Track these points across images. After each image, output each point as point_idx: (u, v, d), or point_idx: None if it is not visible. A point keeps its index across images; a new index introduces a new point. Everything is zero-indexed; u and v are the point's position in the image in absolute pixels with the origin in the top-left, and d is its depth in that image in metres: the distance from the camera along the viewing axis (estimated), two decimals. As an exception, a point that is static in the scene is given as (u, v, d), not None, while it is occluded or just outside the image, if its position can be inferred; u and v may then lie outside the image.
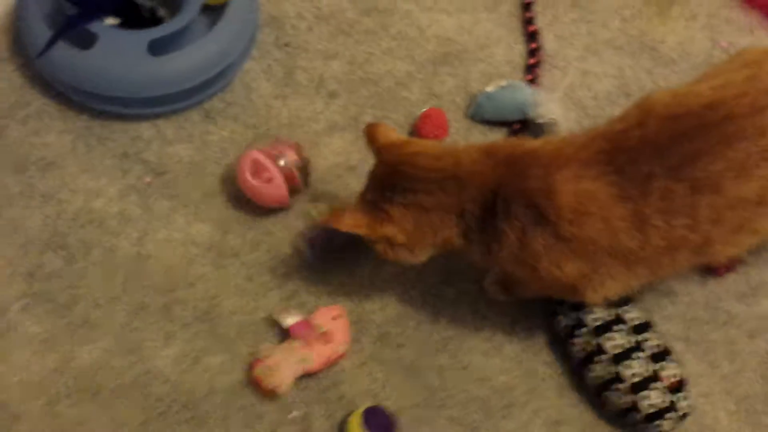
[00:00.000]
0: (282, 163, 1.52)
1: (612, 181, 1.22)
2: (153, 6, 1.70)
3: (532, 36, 1.81)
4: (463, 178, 1.27)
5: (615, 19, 1.85)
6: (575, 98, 1.75)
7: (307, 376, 1.42)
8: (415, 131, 1.66)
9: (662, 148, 1.22)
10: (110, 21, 1.64)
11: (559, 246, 1.25)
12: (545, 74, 1.77)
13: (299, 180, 1.54)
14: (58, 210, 1.55)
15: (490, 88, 1.69)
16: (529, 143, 1.32)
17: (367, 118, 1.69)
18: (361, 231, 1.31)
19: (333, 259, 1.52)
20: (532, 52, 1.79)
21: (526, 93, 1.67)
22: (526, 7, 1.85)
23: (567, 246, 1.25)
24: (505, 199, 1.25)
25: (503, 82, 1.70)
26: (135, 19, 1.67)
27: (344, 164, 1.64)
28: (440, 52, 1.79)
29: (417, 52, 1.79)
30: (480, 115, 1.70)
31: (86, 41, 1.59)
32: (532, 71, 1.76)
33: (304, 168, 1.56)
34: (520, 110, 1.66)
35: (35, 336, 1.44)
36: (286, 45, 1.77)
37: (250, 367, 1.42)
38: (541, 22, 1.83)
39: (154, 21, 1.69)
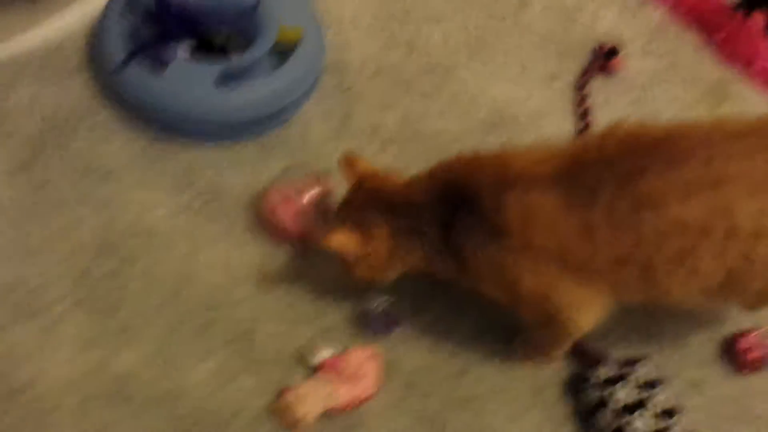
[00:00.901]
0: (307, 198, 1.56)
1: (561, 191, 1.27)
2: (225, 42, 1.75)
3: (583, 114, 1.86)
4: (416, 202, 1.37)
5: (669, 109, 1.89)
6: (620, 178, 1.78)
7: (331, 413, 1.42)
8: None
9: (613, 161, 1.28)
10: (186, 44, 1.70)
11: (512, 258, 1.31)
12: (592, 152, 1.82)
13: (318, 216, 1.57)
14: (112, 218, 1.58)
15: (538, 160, 1.74)
16: (473, 158, 1.39)
17: (414, 172, 1.72)
18: (351, 248, 1.38)
19: (389, 331, 1.54)
20: (582, 130, 1.83)
21: (573, 167, 1.71)
22: (581, 86, 1.91)
23: (522, 257, 1.31)
24: (460, 219, 1.33)
25: (550, 156, 1.74)
26: (207, 46, 1.72)
27: (390, 212, 1.67)
28: (491, 120, 1.83)
29: (468, 117, 1.83)
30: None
31: (158, 66, 1.64)
32: (580, 148, 1.81)
33: (324, 201, 1.58)
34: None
35: (77, 336, 1.45)
36: (347, 90, 1.82)
37: (279, 394, 1.42)
38: (593, 102, 1.88)
39: (224, 51, 1.74)
